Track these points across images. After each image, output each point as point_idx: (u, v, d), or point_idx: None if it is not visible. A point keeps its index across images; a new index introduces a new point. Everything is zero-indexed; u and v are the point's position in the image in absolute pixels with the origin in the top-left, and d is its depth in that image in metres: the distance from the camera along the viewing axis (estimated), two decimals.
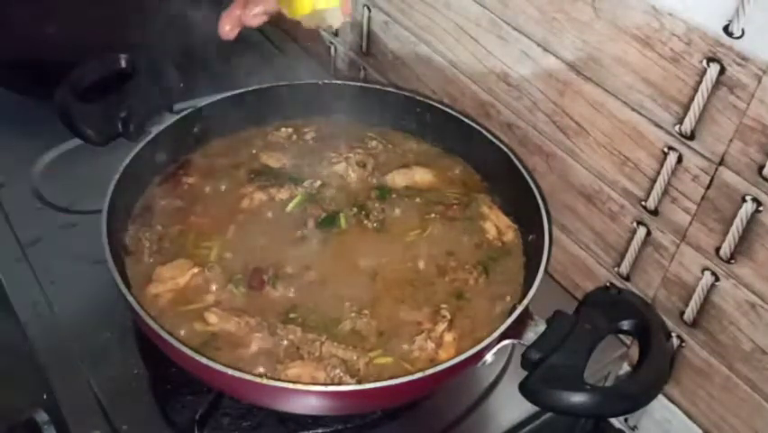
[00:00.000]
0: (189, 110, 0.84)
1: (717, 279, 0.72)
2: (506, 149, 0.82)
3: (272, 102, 0.89)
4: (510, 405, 0.74)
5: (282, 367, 0.65)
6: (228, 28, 0.72)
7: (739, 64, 0.64)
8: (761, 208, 0.66)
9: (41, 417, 0.76)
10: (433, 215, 0.80)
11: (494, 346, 0.66)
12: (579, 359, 0.65)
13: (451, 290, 0.74)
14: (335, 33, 1.11)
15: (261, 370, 0.65)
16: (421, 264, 0.76)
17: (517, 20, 0.83)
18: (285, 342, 0.67)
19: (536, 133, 0.86)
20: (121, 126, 0.80)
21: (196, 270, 0.72)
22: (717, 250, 0.71)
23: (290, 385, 0.62)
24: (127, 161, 0.76)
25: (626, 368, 0.84)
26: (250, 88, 0.87)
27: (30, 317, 0.78)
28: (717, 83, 0.66)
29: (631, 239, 0.80)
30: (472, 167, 0.87)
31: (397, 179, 0.85)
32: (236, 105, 0.87)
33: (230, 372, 0.61)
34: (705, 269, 0.73)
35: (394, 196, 0.82)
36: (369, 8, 1.06)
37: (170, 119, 0.82)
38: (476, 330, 0.70)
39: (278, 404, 0.67)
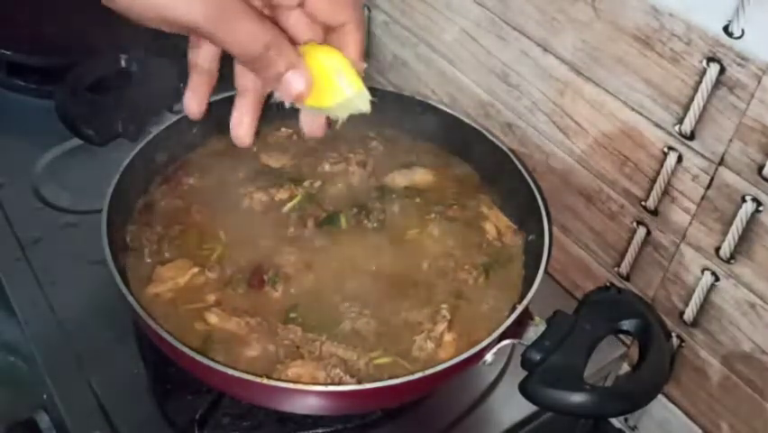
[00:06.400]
0: None
1: (717, 279, 0.72)
2: (506, 149, 0.82)
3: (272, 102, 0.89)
4: (510, 405, 0.74)
5: (282, 367, 0.65)
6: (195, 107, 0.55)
7: (739, 64, 0.64)
8: (761, 208, 0.66)
9: (41, 417, 0.76)
10: (433, 215, 0.80)
11: (494, 346, 0.66)
12: (578, 359, 0.65)
13: (451, 290, 0.74)
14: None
15: (261, 370, 0.65)
16: (421, 264, 0.76)
17: (517, 20, 0.83)
18: (285, 342, 0.67)
19: (536, 133, 0.86)
20: (121, 126, 0.80)
21: (196, 270, 0.72)
22: (717, 250, 0.71)
23: (290, 385, 0.62)
24: (127, 161, 0.76)
25: (626, 368, 0.84)
26: None
27: (30, 317, 0.78)
28: (717, 83, 0.66)
29: (631, 239, 0.80)
30: (472, 167, 0.87)
31: (398, 179, 0.85)
32: None
33: (230, 372, 0.61)
34: (705, 269, 0.73)
35: (394, 196, 0.82)
36: (369, 8, 1.06)
37: (170, 119, 0.82)
38: (476, 330, 0.70)
39: (278, 404, 0.67)
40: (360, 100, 0.54)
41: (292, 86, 0.52)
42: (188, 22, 0.47)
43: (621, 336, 0.81)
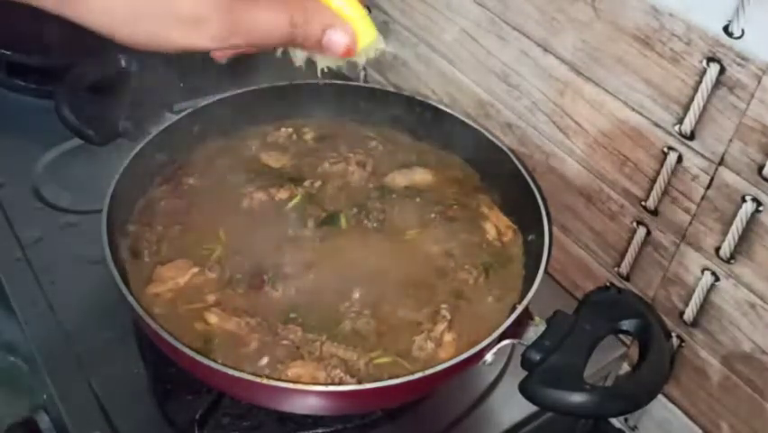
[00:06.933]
0: (189, 110, 0.84)
1: (717, 279, 0.72)
2: (506, 149, 0.82)
3: (272, 102, 0.89)
4: (510, 405, 0.74)
5: (282, 367, 0.65)
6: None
7: (739, 64, 0.64)
8: (761, 208, 0.66)
9: (41, 417, 0.76)
10: (432, 215, 0.80)
11: (494, 346, 0.66)
12: (578, 359, 0.65)
13: (450, 290, 0.74)
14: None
15: (262, 370, 0.65)
16: (421, 264, 0.76)
17: (517, 20, 0.83)
18: (285, 342, 0.67)
19: (536, 133, 0.86)
20: (121, 126, 0.80)
21: (196, 270, 0.72)
22: (717, 250, 0.71)
23: (290, 385, 0.62)
24: (127, 161, 0.76)
25: (626, 368, 0.84)
26: (250, 88, 0.87)
27: (30, 317, 0.78)
28: (717, 83, 0.66)
29: (631, 239, 0.80)
30: (472, 167, 0.87)
31: (398, 179, 0.85)
32: (236, 105, 0.87)
33: (230, 372, 0.61)
34: (705, 269, 0.73)
35: (394, 196, 0.82)
36: (369, 8, 1.06)
37: (170, 119, 0.82)
38: (476, 330, 0.70)
39: (278, 404, 0.67)
40: (377, 40, 0.56)
41: (337, 43, 0.51)
42: (201, 47, 0.47)
43: (621, 336, 0.81)
